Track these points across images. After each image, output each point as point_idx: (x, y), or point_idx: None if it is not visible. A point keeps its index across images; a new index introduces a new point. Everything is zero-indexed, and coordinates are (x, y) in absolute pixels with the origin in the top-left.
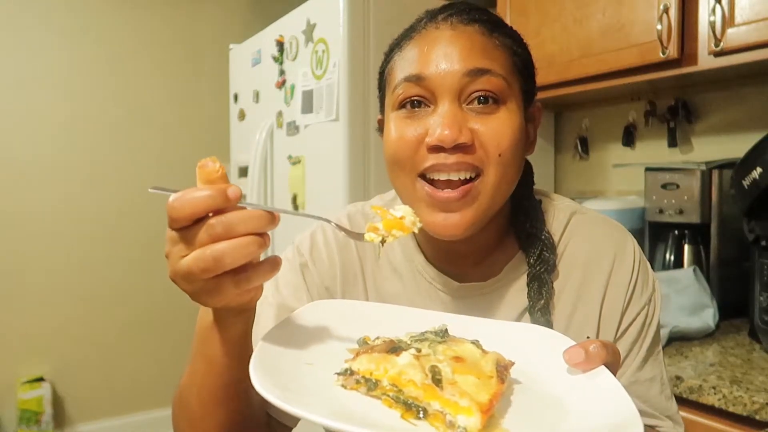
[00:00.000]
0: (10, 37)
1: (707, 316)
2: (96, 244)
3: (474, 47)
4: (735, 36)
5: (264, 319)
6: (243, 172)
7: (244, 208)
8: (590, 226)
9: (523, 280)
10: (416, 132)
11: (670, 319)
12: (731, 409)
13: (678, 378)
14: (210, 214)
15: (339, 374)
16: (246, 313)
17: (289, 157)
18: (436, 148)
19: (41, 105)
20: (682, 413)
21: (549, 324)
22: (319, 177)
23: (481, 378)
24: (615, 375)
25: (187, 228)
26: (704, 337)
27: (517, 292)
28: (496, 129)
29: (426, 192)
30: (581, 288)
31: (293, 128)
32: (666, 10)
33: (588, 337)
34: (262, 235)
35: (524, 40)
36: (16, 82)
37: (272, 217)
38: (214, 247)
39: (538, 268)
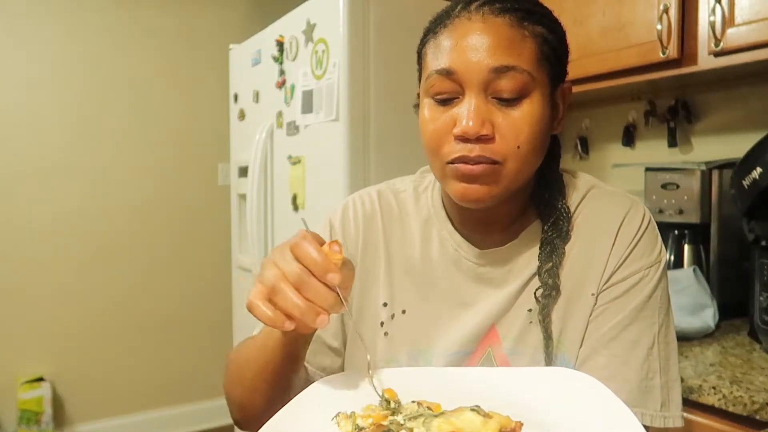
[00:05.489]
0: (8, 39)
1: (707, 316)
2: (96, 245)
3: (501, 42)
4: (735, 36)
5: None
6: (243, 172)
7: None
8: (606, 197)
9: (538, 245)
10: (445, 121)
11: None
12: (731, 409)
13: None
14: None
15: None
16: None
17: (289, 157)
18: (461, 138)
19: (38, 105)
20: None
21: (556, 285)
22: (319, 177)
23: None
24: None
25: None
26: (704, 337)
27: (531, 256)
28: (516, 123)
29: (454, 170)
30: (590, 249)
31: (293, 128)
32: (666, 10)
33: (593, 294)
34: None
35: (557, 21)
36: (13, 83)
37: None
38: (291, 303)
39: (550, 233)
